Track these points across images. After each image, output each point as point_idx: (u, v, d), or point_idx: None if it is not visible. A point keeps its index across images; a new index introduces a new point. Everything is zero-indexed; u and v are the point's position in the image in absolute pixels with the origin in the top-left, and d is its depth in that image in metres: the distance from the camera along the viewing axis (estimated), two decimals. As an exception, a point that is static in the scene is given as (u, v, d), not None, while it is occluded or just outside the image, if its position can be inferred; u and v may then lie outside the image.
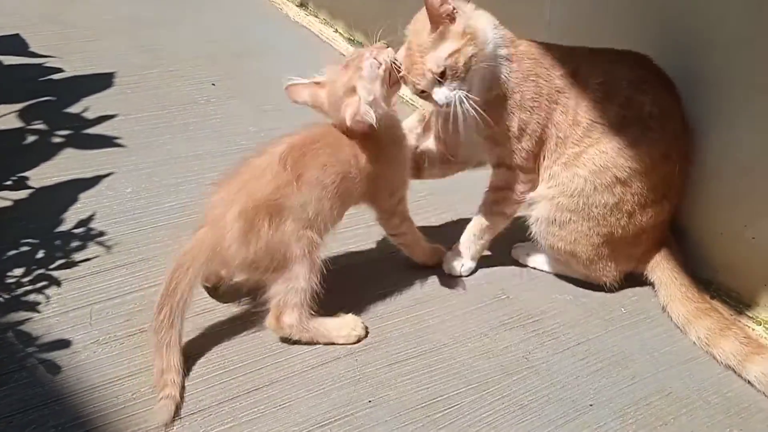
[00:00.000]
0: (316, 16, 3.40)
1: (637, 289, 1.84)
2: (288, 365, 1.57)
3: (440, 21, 1.57)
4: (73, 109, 2.45)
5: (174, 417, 1.42)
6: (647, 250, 1.75)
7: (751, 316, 1.68)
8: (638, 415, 1.49)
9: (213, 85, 2.71)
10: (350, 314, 1.67)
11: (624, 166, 1.62)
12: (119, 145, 2.29)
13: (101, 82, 2.64)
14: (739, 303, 1.70)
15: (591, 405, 1.51)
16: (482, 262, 1.88)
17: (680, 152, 1.69)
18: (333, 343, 1.63)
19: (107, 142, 2.29)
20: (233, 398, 1.48)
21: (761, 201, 1.60)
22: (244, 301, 1.73)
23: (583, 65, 1.66)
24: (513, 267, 1.91)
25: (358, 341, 1.64)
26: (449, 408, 1.50)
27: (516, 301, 1.79)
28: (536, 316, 1.75)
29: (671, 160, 1.66)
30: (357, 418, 1.46)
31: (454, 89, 1.57)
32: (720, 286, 1.74)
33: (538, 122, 1.66)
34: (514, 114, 1.65)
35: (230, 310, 1.70)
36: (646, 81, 1.65)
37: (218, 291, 1.73)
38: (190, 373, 1.53)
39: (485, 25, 1.62)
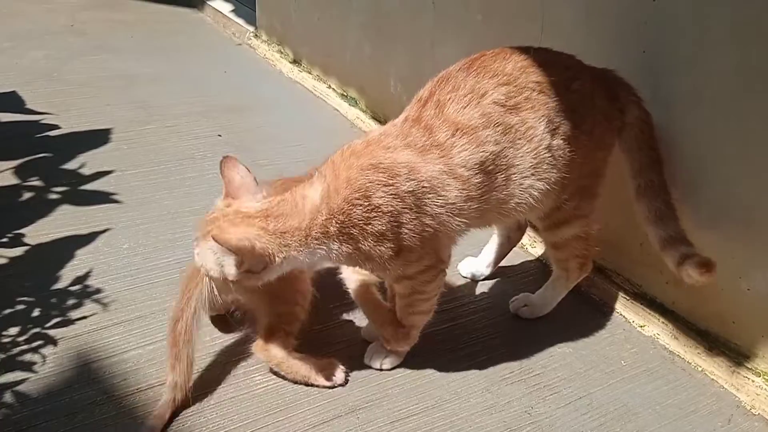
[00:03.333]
0: (309, 73, 3.48)
1: (635, 340, 1.85)
2: (288, 423, 1.55)
3: None
4: (70, 165, 2.47)
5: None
6: None
7: (750, 367, 1.69)
8: (645, 470, 1.48)
9: (219, 135, 2.76)
10: (332, 358, 1.69)
11: None
12: (116, 201, 2.30)
13: (97, 138, 2.67)
14: (739, 354, 1.71)
15: (596, 461, 1.50)
16: (481, 315, 1.88)
17: None
18: (310, 384, 1.64)
19: (104, 198, 2.30)
20: (234, 459, 1.46)
21: (755, 252, 1.63)
22: (241, 357, 1.71)
23: None
24: (513, 320, 1.91)
25: (334, 387, 1.65)
26: (453, 466, 1.48)
27: (517, 355, 1.79)
28: (537, 369, 1.75)
29: None
30: (360, 478, 1.44)
31: None
32: (719, 337, 1.76)
33: None
34: None
35: (226, 368, 1.69)
36: None
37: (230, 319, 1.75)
38: (190, 433, 1.51)
39: None
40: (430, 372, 1.72)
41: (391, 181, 1.48)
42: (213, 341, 1.76)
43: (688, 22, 1.67)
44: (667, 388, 1.70)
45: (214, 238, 1.36)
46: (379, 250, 1.49)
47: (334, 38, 3.25)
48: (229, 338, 1.77)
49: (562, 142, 1.61)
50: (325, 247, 1.47)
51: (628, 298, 1.95)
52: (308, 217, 1.45)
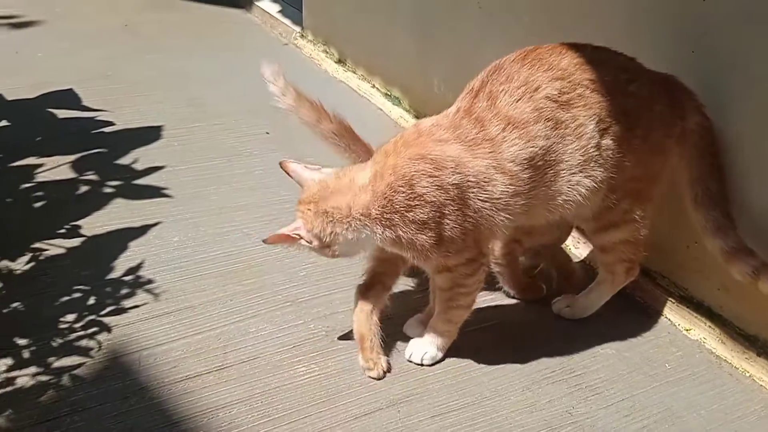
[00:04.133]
0: (354, 72, 3.51)
1: (681, 343, 1.83)
2: (331, 414, 1.58)
3: None
4: (124, 160, 2.55)
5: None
6: None
7: (799, 373, 1.66)
8: (688, 474, 1.47)
9: (267, 133, 2.82)
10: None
11: None
12: (167, 196, 2.37)
13: (150, 134, 2.75)
14: (788, 360, 1.68)
15: (638, 462, 1.49)
16: (523, 314, 1.88)
17: None
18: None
19: (155, 192, 2.37)
20: (278, 447, 1.50)
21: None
22: (286, 348, 1.75)
23: None
24: (555, 320, 1.91)
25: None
26: (493, 462, 1.49)
27: (558, 355, 1.78)
28: (579, 370, 1.74)
29: None
30: (401, 470, 1.46)
31: None
32: (766, 343, 1.72)
33: None
34: None
35: (274, 358, 1.73)
36: None
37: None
38: (236, 419, 1.55)
39: None
40: (470, 369, 1.73)
41: (436, 173, 1.51)
42: (258, 332, 1.80)
43: (739, 21, 1.64)
44: (713, 393, 1.68)
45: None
46: (420, 238, 1.54)
47: (379, 38, 3.28)
48: (277, 330, 1.81)
49: (611, 142, 1.60)
50: (368, 230, 1.54)
51: (674, 301, 1.92)
52: (352, 198, 1.54)
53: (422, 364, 1.73)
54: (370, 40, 3.37)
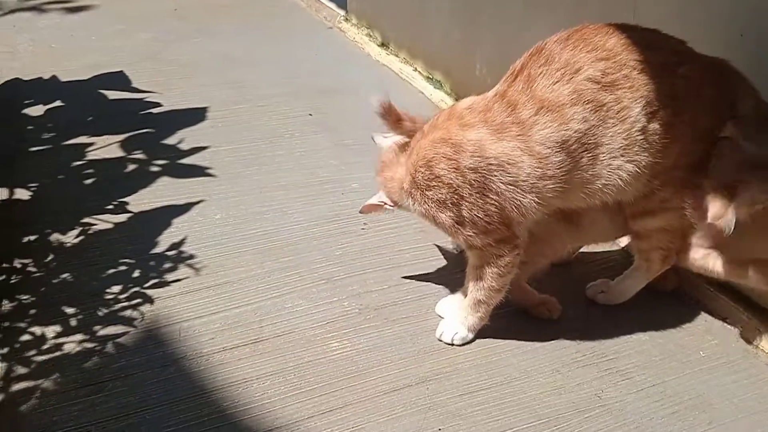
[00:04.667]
0: (396, 56, 3.52)
1: (717, 332, 1.80)
2: (361, 389, 1.62)
3: None
4: (170, 140, 2.64)
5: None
6: None
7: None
8: (715, 460, 1.46)
9: (310, 115, 2.88)
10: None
11: None
12: (210, 175, 2.44)
13: (195, 115, 2.83)
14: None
15: (666, 447, 1.49)
16: (557, 298, 1.87)
17: None
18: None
19: (199, 171, 2.45)
20: (309, 418, 1.54)
21: None
22: (320, 324, 1.80)
23: None
24: (588, 305, 1.90)
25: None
26: (519, 441, 1.51)
27: (590, 339, 1.78)
28: (610, 354, 1.73)
29: None
30: (427, 445, 1.49)
31: None
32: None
33: None
34: None
35: (307, 333, 1.78)
36: None
37: None
38: (269, 390, 1.60)
39: None
40: (500, 350, 1.75)
41: (455, 156, 1.56)
42: (294, 308, 1.85)
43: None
44: (747, 382, 1.65)
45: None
46: (441, 216, 1.62)
47: (421, 22, 3.28)
48: (312, 307, 1.86)
49: (658, 126, 1.56)
50: (406, 201, 1.69)
51: (711, 289, 1.89)
52: (396, 171, 1.72)
53: (452, 344, 1.75)
54: (413, 23, 3.37)
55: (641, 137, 1.56)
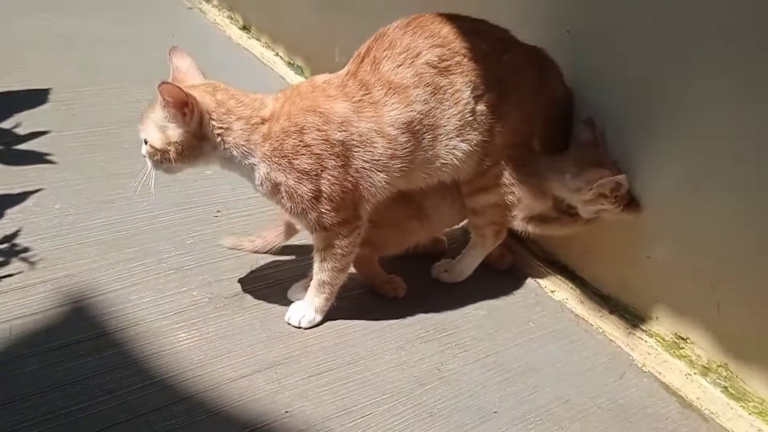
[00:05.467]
0: (258, 40, 3.48)
1: (545, 304, 1.96)
2: (209, 378, 1.62)
3: None
4: (5, 124, 2.46)
5: None
6: None
7: (644, 329, 1.81)
8: (537, 420, 1.59)
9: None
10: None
11: None
12: (50, 162, 2.31)
13: (35, 98, 2.66)
14: (635, 317, 1.83)
15: (495, 412, 1.60)
16: (401, 279, 1.96)
17: None
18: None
19: (38, 158, 2.31)
20: (151, 412, 1.52)
21: (655, 229, 1.74)
22: (172, 315, 1.77)
23: None
24: (433, 284, 2.00)
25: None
26: (362, 417, 1.57)
27: (433, 316, 1.88)
28: (451, 330, 1.84)
29: None
30: (272, 428, 1.52)
31: None
32: (619, 302, 1.87)
33: None
34: None
35: (153, 325, 1.74)
36: None
37: None
38: (109, 386, 1.56)
39: None
40: (349, 330, 1.81)
41: (324, 127, 1.59)
42: (139, 300, 1.81)
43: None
44: (568, 348, 1.82)
45: None
46: (300, 189, 1.61)
47: (283, 6, 3.26)
48: (159, 298, 1.83)
49: (485, 108, 1.70)
50: (255, 159, 1.61)
51: (542, 265, 2.06)
52: (251, 117, 1.61)
53: (300, 327, 1.79)
54: (274, 8, 3.34)
55: (471, 118, 1.69)
